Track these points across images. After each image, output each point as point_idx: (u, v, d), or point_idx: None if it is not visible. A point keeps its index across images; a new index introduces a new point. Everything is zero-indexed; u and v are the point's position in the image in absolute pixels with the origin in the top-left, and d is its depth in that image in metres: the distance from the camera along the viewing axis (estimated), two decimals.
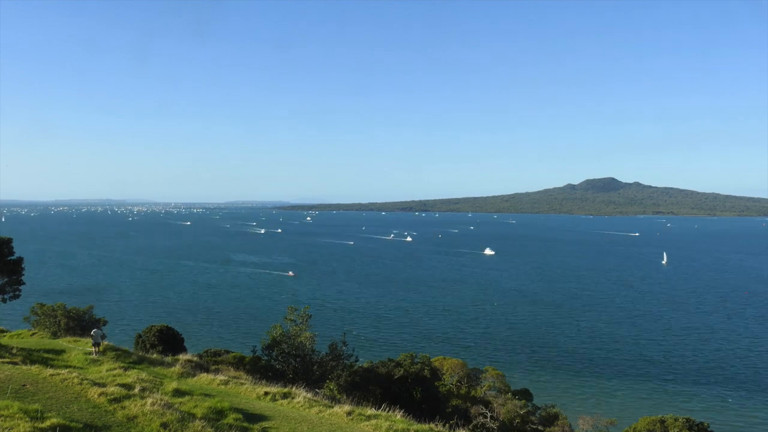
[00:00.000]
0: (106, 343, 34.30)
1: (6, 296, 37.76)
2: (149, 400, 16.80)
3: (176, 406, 16.95)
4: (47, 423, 13.57)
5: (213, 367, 33.16)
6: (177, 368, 28.70)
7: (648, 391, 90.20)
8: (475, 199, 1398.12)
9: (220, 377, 26.68)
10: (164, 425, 15.02)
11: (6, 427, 12.02)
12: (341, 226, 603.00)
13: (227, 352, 45.28)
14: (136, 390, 18.61)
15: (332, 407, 21.59)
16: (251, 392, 23.85)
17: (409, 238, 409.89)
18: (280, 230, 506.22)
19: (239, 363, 39.30)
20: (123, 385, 19.20)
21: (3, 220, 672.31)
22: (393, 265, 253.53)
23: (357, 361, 39.43)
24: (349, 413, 20.60)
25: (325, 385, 34.61)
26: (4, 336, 38.96)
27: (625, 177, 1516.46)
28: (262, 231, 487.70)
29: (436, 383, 40.96)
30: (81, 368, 23.67)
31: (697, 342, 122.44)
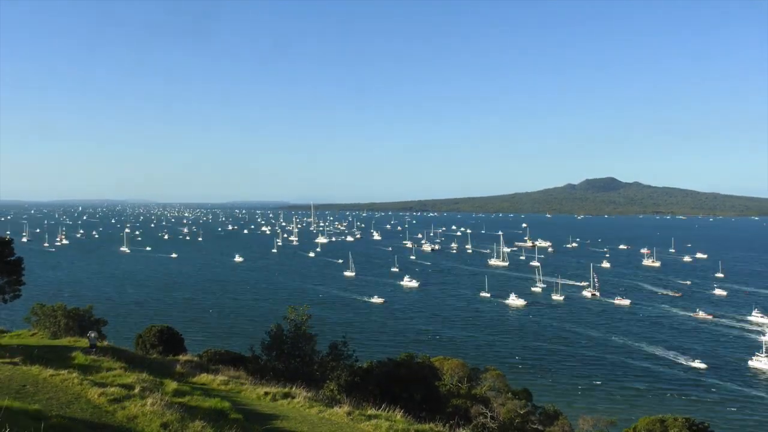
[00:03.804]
0: (105, 343, 34.38)
1: (6, 296, 37.72)
2: (149, 401, 16.78)
3: (176, 406, 16.93)
4: (47, 423, 13.56)
5: (213, 367, 33.14)
6: (177, 368, 28.73)
7: (648, 391, 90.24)
8: (475, 199, 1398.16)
9: (220, 377, 26.70)
10: (164, 425, 15.00)
11: (6, 428, 12.02)
12: None
13: (227, 352, 45.27)
14: (137, 390, 18.59)
15: (332, 407, 21.60)
16: (251, 392, 23.86)
17: None
18: None
19: (239, 363, 39.27)
20: (123, 386, 19.19)
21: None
22: None
23: (357, 361, 39.42)
24: (349, 413, 20.61)
25: (325, 385, 34.60)
26: (4, 336, 38.92)
27: (625, 177, 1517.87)
28: None
29: (436, 383, 40.94)
30: (81, 368, 23.64)
31: (700, 342, 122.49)
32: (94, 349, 30.22)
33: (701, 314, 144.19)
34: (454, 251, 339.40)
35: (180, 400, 18.64)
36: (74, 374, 20.08)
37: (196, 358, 37.82)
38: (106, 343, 35.70)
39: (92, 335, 32.25)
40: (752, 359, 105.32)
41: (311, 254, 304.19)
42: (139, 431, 14.97)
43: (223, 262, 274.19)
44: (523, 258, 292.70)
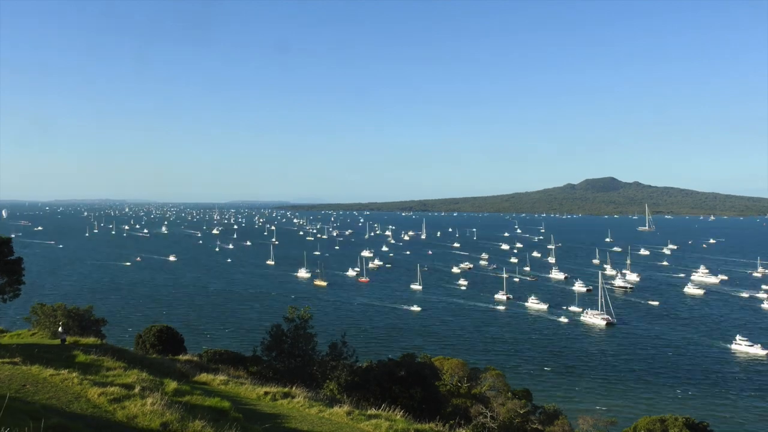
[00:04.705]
0: (105, 342, 34.49)
1: (6, 296, 37.67)
2: (149, 400, 16.76)
3: (177, 405, 16.92)
4: (47, 423, 13.55)
5: (213, 367, 33.16)
6: (177, 368, 28.72)
7: (648, 391, 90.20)
8: (475, 199, 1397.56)
9: (220, 377, 26.69)
10: (164, 425, 14.99)
11: (7, 428, 12.00)
12: None
13: (227, 352, 45.28)
14: (137, 390, 18.57)
15: (332, 407, 21.60)
16: (251, 392, 23.85)
17: None
18: None
19: (239, 363, 39.31)
20: (123, 385, 19.17)
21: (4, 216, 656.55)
22: None
23: (357, 361, 39.44)
24: (349, 413, 20.61)
25: (325, 385, 34.62)
26: (4, 336, 38.90)
27: (625, 177, 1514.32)
28: None
29: (436, 383, 40.95)
30: (82, 368, 23.63)
31: (699, 343, 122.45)
32: (63, 343, 31.14)
33: None
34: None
35: (180, 399, 18.63)
36: (74, 374, 20.06)
37: (196, 358, 37.82)
38: (105, 341, 35.70)
39: (60, 330, 33.22)
40: None
41: None
42: (140, 431, 14.96)
43: None
44: None
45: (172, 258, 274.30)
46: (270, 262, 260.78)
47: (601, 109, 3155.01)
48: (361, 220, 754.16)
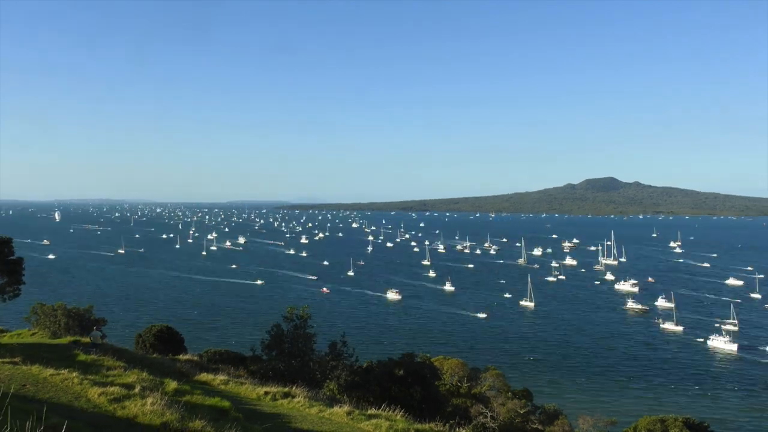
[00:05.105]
0: (105, 342, 34.35)
1: (6, 296, 37.66)
2: (149, 400, 16.75)
3: (177, 405, 16.92)
4: (47, 423, 13.55)
5: (213, 367, 33.19)
6: (177, 368, 28.73)
7: (648, 391, 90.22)
8: (475, 198, 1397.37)
9: (221, 377, 26.71)
10: (165, 425, 14.98)
11: (7, 427, 12.00)
12: None
13: (227, 351, 45.31)
14: (137, 390, 18.56)
15: (332, 407, 21.62)
16: (251, 392, 23.86)
17: None
18: None
19: (239, 363, 39.36)
20: (123, 385, 19.17)
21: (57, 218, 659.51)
22: None
23: (357, 360, 39.46)
24: (349, 413, 20.62)
25: (325, 384, 34.63)
26: (4, 336, 38.91)
27: (625, 177, 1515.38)
28: None
29: (436, 383, 40.94)
30: (82, 367, 23.63)
31: (698, 343, 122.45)
32: (94, 348, 30.24)
33: None
34: None
35: (180, 399, 18.62)
36: (74, 374, 20.07)
37: (196, 358, 37.87)
38: (105, 341, 35.68)
39: (96, 331, 32.30)
40: None
41: None
42: (141, 430, 14.96)
43: None
44: None
45: (393, 295, 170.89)
46: (512, 296, 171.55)
47: (601, 109, 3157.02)
48: (407, 223, 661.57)
